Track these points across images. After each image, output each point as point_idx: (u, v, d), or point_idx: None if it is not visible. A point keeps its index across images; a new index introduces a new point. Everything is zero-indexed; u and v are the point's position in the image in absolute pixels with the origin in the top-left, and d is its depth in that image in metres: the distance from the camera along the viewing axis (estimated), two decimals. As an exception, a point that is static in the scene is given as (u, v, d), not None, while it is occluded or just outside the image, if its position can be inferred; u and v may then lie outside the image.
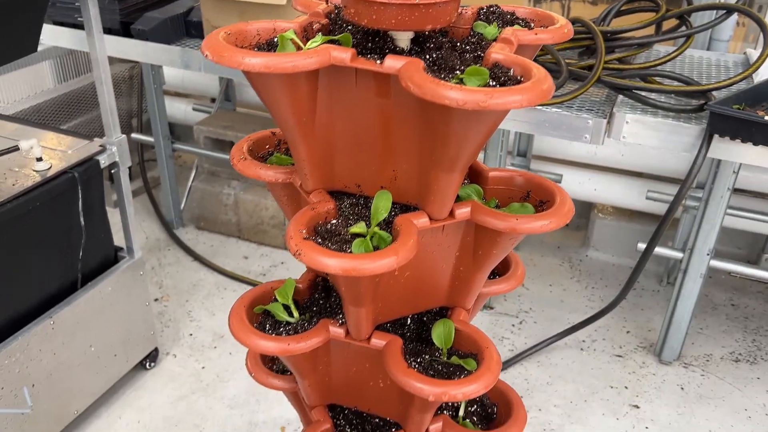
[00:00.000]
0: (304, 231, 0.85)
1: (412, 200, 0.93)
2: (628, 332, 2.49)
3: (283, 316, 1.03)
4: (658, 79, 2.04)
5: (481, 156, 2.42)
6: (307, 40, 0.90)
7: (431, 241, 0.94)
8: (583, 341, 2.45)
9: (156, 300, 2.57)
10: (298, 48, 0.86)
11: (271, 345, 0.96)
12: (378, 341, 0.99)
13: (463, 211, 0.92)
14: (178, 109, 3.29)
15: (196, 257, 2.82)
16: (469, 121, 0.75)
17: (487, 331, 2.45)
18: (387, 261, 0.81)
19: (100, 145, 1.90)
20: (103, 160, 1.88)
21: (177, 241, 2.92)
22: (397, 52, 0.89)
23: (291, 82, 0.81)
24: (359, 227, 0.88)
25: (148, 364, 2.24)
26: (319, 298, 1.10)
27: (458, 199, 0.96)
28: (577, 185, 2.72)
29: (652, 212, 2.67)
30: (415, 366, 0.98)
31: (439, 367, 0.99)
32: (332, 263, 0.79)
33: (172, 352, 2.34)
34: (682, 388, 2.25)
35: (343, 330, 1.00)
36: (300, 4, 0.99)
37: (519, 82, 0.78)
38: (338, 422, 1.16)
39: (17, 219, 1.67)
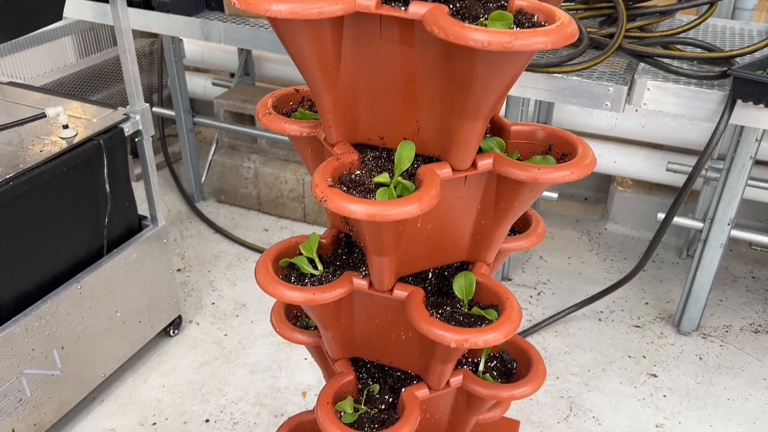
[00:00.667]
0: (329, 179, 0.86)
1: (435, 152, 0.94)
2: (646, 303, 2.49)
3: (308, 268, 1.06)
4: (679, 46, 2.02)
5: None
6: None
7: (453, 193, 0.95)
8: (601, 312, 2.45)
9: (179, 270, 2.62)
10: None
11: (296, 294, 0.99)
12: (400, 292, 1.01)
13: (485, 162, 0.94)
14: (197, 85, 3.32)
15: (218, 229, 2.86)
16: (493, 64, 0.76)
17: (505, 301, 2.47)
18: (411, 207, 0.82)
19: (124, 114, 1.93)
20: (127, 128, 1.91)
21: (198, 213, 2.96)
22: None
23: (316, 29, 0.82)
24: (383, 177, 0.90)
25: (171, 331, 2.29)
26: (342, 253, 1.12)
27: (480, 151, 0.97)
28: (596, 158, 2.70)
29: (672, 184, 2.65)
30: (436, 317, 1.00)
31: (460, 318, 1.01)
32: (357, 209, 0.81)
33: (195, 320, 2.39)
34: (701, 358, 2.25)
35: (367, 281, 1.02)
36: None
37: (542, 25, 0.79)
38: (360, 375, 1.19)
39: (45, 185, 1.71)
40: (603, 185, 3.07)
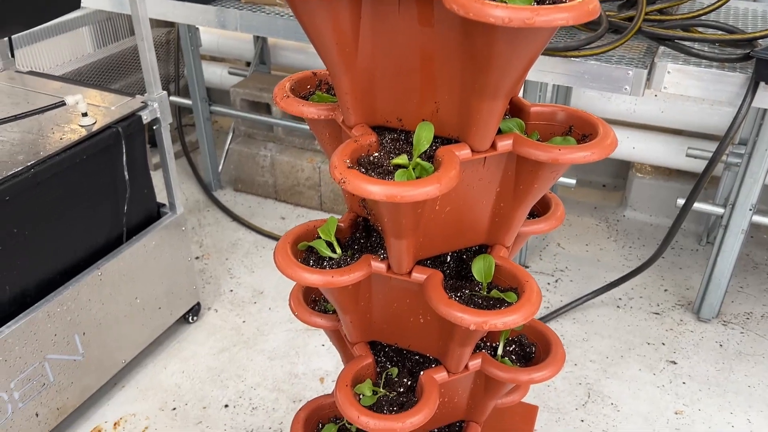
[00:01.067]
0: (348, 161, 0.86)
1: (454, 133, 0.94)
2: (665, 290, 2.47)
3: (326, 252, 1.06)
4: (700, 29, 1.99)
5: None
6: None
7: (472, 175, 0.95)
8: (620, 299, 2.44)
9: (197, 258, 2.64)
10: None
11: (315, 277, 0.99)
12: (419, 275, 1.01)
13: (505, 143, 0.93)
14: (213, 74, 3.33)
15: (235, 218, 2.87)
16: (514, 42, 0.75)
17: (522, 288, 2.46)
18: (430, 188, 0.82)
19: (142, 102, 1.94)
20: (145, 116, 1.92)
21: (216, 202, 2.98)
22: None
23: (334, 9, 0.82)
24: (402, 159, 0.89)
25: (190, 317, 2.31)
26: (360, 237, 1.12)
27: (500, 132, 0.97)
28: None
29: (692, 170, 2.62)
30: (455, 299, 0.99)
31: (479, 301, 1.01)
32: (376, 190, 0.81)
33: (214, 307, 2.40)
34: (721, 345, 2.23)
35: (385, 264, 1.02)
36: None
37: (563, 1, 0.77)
38: (379, 359, 1.19)
39: (65, 172, 1.73)
40: (621, 172, 3.05)
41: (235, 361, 2.18)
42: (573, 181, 2.39)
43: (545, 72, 1.94)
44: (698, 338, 2.26)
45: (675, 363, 2.17)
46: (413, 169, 0.88)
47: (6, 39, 2.15)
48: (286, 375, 2.13)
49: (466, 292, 1.03)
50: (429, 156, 0.93)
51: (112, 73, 3.14)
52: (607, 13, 2.04)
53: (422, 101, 0.92)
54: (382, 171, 0.90)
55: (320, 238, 1.07)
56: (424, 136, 0.89)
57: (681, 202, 2.10)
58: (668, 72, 1.85)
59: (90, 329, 1.89)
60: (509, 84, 0.83)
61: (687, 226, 2.79)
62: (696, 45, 1.92)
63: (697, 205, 2.15)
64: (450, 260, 1.10)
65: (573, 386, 2.09)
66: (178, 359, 2.19)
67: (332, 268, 1.03)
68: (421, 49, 0.86)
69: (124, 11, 2.54)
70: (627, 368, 2.15)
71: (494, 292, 1.01)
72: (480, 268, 1.02)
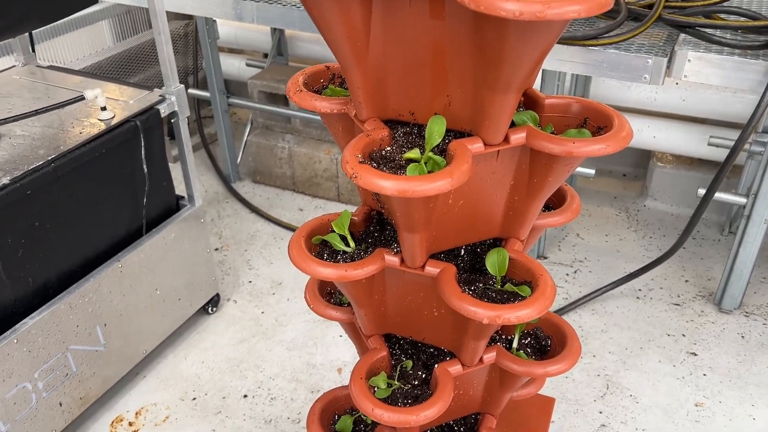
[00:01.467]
0: (360, 156, 0.86)
1: (467, 126, 0.93)
2: (686, 281, 2.44)
3: (340, 245, 1.06)
4: (722, 15, 1.95)
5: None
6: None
7: (485, 169, 0.94)
8: (639, 290, 2.41)
9: (216, 249, 2.66)
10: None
11: (329, 271, 0.99)
12: (432, 269, 1.01)
13: (518, 136, 0.92)
14: (231, 66, 3.34)
15: (254, 209, 2.89)
16: (526, 35, 0.74)
17: (540, 279, 2.45)
18: (441, 183, 0.82)
19: (160, 95, 1.96)
20: (163, 109, 1.94)
21: (234, 194, 3.00)
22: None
23: (344, 3, 0.81)
24: (414, 153, 0.89)
25: (210, 308, 2.34)
26: (374, 230, 1.12)
27: (513, 125, 0.96)
28: (635, 133, 2.64)
29: (714, 159, 2.58)
30: (468, 293, 0.99)
31: (493, 295, 1.00)
32: (388, 185, 0.81)
33: (233, 298, 2.43)
34: (743, 337, 2.20)
35: (398, 258, 1.02)
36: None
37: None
38: (393, 351, 1.20)
39: (85, 166, 1.75)
40: (642, 161, 3.01)
41: (254, 351, 2.20)
42: (592, 171, 2.36)
43: (563, 61, 1.92)
44: (719, 330, 2.23)
45: (695, 355, 2.15)
46: (425, 163, 0.88)
47: (27, 34, 2.18)
48: (304, 365, 2.14)
49: (480, 285, 1.02)
50: (442, 150, 0.93)
51: (131, 66, 3.16)
52: (626, 0, 2.01)
53: (434, 95, 0.91)
54: (394, 165, 0.90)
55: (334, 231, 1.07)
56: (436, 129, 0.89)
57: (702, 192, 2.07)
58: (689, 60, 1.82)
59: (111, 320, 1.92)
60: (521, 78, 0.82)
61: (709, 215, 2.75)
62: (718, 32, 1.89)
63: (719, 195, 2.12)
64: (464, 254, 1.10)
65: (591, 378, 2.08)
66: (198, 350, 2.22)
67: (346, 261, 1.03)
68: (432, 43, 0.86)
69: (142, 4, 2.56)
70: (646, 360, 2.14)
71: (508, 286, 1.00)
72: (494, 262, 1.01)
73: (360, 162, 0.85)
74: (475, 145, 0.90)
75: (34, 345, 1.71)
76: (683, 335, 2.22)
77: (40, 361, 1.74)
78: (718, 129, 2.54)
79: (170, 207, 2.11)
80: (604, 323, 2.28)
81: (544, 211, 1.17)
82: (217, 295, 2.35)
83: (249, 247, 2.68)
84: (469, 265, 1.10)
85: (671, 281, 2.44)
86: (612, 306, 2.35)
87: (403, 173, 0.88)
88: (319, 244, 1.09)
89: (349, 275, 0.99)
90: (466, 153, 0.86)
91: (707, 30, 1.89)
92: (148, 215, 2.01)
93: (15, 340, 1.66)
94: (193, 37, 3.28)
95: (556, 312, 2.30)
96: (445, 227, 1.01)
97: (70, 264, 1.81)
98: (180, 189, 2.14)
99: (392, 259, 1.02)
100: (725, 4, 1.97)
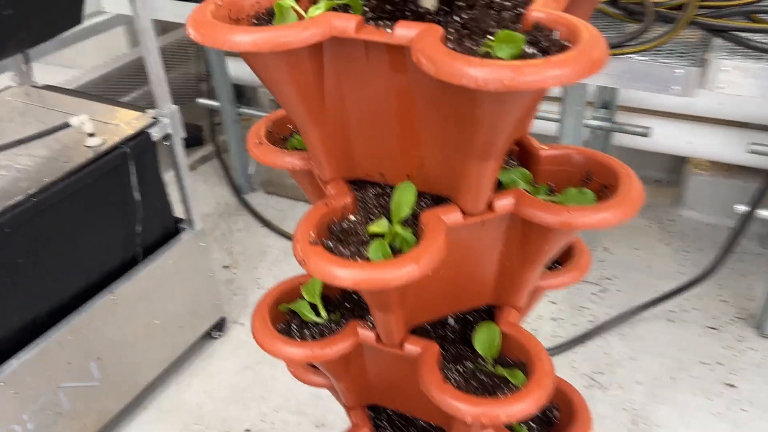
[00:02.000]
0: (314, 234, 0.73)
1: (444, 191, 0.79)
2: (724, 301, 2.25)
3: (310, 315, 0.94)
4: (764, 17, 1.75)
5: (555, 108, 2.21)
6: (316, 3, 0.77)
7: (468, 236, 0.81)
8: (672, 311, 2.24)
9: (226, 267, 2.57)
10: (301, 17, 0.73)
11: (294, 351, 0.87)
12: (412, 347, 0.88)
13: (504, 203, 0.78)
14: (244, 72, 3.22)
15: (266, 223, 2.79)
16: (498, 102, 0.60)
17: (564, 300, 2.29)
18: (406, 270, 0.68)
19: (153, 117, 1.86)
20: (155, 133, 1.83)
21: (246, 206, 2.90)
22: (421, 14, 0.74)
23: (290, 59, 0.68)
24: (379, 226, 0.76)
25: (215, 333, 2.25)
26: (353, 292, 0.99)
27: (501, 186, 0.82)
28: (668, 138, 2.45)
29: (756, 166, 2.37)
30: (455, 376, 0.86)
31: (484, 378, 0.87)
32: (342, 274, 0.68)
33: (240, 320, 2.33)
34: (787, 366, 2.02)
35: (374, 333, 0.89)
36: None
37: (564, 48, 0.62)
38: (380, 423, 1.07)
39: (71, 197, 1.66)
40: (676, 166, 2.81)
41: (259, 380, 2.10)
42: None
43: (583, 72, 1.75)
44: (761, 357, 2.05)
45: (734, 386, 1.97)
46: (392, 239, 0.75)
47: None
48: (309, 396, 2.04)
49: (470, 365, 0.89)
50: (415, 216, 0.79)
51: (138, 77, 3.07)
52: (653, 0, 1.83)
53: (404, 155, 0.78)
54: (358, 240, 0.77)
55: (304, 298, 0.95)
56: (404, 200, 0.76)
57: (742, 209, 1.89)
58: (724, 69, 1.64)
59: (106, 354, 1.84)
60: (501, 143, 0.68)
61: (749, 227, 2.54)
62: (757, 36, 1.69)
63: (760, 212, 1.93)
64: (453, 322, 0.97)
65: (617, 411, 1.92)
66: (202, 377, 2.13)
67: (315, 336, 0.91)
68: (396, 99, 0.72)
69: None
70: (678, 392, 1.97)
71: (498, 368, 0.86)
72: (483, 341, 0.88)
73: (312, 243, 0.72)
74: (452, 216, 0.76)
75: (21, 386, 1.64)
76: (720, 364, 2.04)
77: (29, 402, 1.66)
78: (760, 134, 2.33)
79: (168, 231, 2.02)
80: (633, 349, 2.12)
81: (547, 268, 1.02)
82: (223, 318, 2.25)
83: (259, 264, 2.58)
84: (460, 335, 0.96)
85: (707, 301, 2.26)
86: (642, 329, 2.18)
87: (366, 251, 0.75)
88: (287, 312, 0.97)
89: (317, 355, 0.87)
90: (438, 229, 0.73)
91: (745, 34, 1.70)
92: (143, 242, 1.92)
93: (1, 383, 1.59)
94: (203, 42, 3.18)
95: (581, 336, 2.15)
96: (426, 298, 0.88)
97: (60, 298, 1.73)
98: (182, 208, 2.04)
99: (367, 334, 0.90)
100: (766, 2, 1.77)
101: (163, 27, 3.13)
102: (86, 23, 2.76)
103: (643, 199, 0.78)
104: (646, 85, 1.71)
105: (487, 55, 0.63)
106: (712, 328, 2.17)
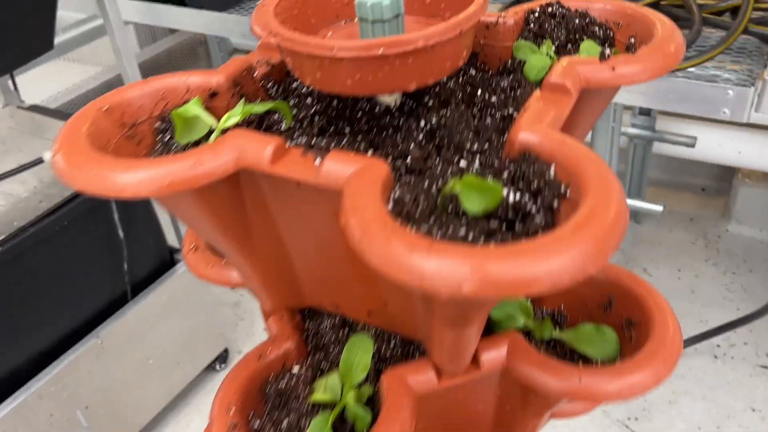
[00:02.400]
0: (234, 408, 0.55)
1: (414, 335, 0.61)
2: (778, 335, 2.02)
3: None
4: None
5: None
6: (241, 98, 0.58)
7: (448, 394, 0.62)
8: (718, 346, 2.01)
9: (233, 289, 2.42)
10: (216, 121, 0.55)
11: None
12: None
13: (492, 357, 0.59)
14: (256, 70, 3.06)
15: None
16: (459, 305, 0.41)
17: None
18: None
19: (138, 145, 1.70)
20: (140, 164, 1.68)
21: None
22: (378, 115, 0.55)
23: (196, 194, 0.50)
24: (326, 391, 0.58)
25: (217, 365, 2.11)
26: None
27: (494, 326, 0.63)
28: (716, 147, 2.20)
29: (818, 181, 2.11)
30: None
31: None
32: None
33: (244, 349, 2.19)
34: None
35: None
36: (259, 24, 0.66)
37: (563, 196, 0.42)
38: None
39: (47, 240, 1.52)
40: (725, 174, 2.54)
41: (262, 420, 1.96)
42: (660, 208, 1.96)
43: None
44: (820, 405, 1.82)
45: (788, 440, 1.75)
46: (341, 412, 0.57)
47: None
48: None
49: None
50: (378, 372, 0.61)
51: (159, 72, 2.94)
52: (700, 2, 1.58)
53: (362, 291, 0.59)
54: (299, 407, 0.59)
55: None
56: (356, 361, 0.57)
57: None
58: (785, 91, 1.39)
59: (94, 401, 1.72)
60: (482, 314, 0.49)
61: (809, 244, 2.28)
62: (826, 48, 1.44)
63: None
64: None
65: (654, 467, 1.73)
66: (203, 415, 2.00)
67: None
68: (340, 233, 0.53)
69: (147, 22, 2.30)
70: (724, 444, 1.76)
71: None
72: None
73: (230, 429, 0.54)
74: (422, 379, 0.57)
75: (-1, 444, 1.53)
76: (772, 411, 1.82)
77: (9, 460, 1.56)
78: (823, 145, 2.06)
79: (163, 263, 1.88)
80: (673, 391, 1.91)
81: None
82: (226, 349, 2.12)
83: (268, 285, 2.43)
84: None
85: (757, 334, 2.03)
86: (683, 367, 1.97)
87: (308, 422, 0.57)
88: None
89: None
90: (401, 403, 0.54)
91: (811, 45, 1.45)
92: (133, 279, 1.78)
93: (-25, 443, 1.48)
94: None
95: (613, 376, 1.94)
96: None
97: (40, 346, 1.61)
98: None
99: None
100: (837, 5, 1.51)
101: (169, 29, 2.97)
102: (93, 23, 2.63)
103: (680, 352, 0.58)
104: (692, 108, 1.47)
105: (451, 201, 0.44)
106: (763, 366, 1.94)
